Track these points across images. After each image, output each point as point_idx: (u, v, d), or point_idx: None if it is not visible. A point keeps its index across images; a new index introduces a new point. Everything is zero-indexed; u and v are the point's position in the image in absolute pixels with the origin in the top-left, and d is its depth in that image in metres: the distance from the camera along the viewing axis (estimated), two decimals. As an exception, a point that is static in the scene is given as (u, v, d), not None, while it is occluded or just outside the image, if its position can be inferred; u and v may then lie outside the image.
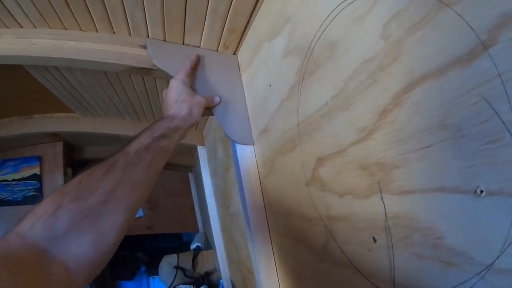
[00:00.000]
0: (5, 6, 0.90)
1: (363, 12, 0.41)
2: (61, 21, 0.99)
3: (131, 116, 1.99)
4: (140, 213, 3.50)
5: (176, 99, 0.83)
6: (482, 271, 0.30)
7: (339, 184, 0.50)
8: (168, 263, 2.75)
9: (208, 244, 3.03)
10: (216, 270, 2.73)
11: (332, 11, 0.46)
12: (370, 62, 0.41)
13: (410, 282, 0.40)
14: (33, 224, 0.48)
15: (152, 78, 1.36)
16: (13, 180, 2.77)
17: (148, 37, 1.02)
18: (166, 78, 1.16)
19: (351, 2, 0.43)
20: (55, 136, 2.65)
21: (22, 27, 1.04)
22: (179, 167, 3.48)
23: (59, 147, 2.81)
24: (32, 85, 1.62)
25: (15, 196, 2.75)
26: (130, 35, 1.03)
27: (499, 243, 0.28)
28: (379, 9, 0.38)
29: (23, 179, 2.76)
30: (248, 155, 0.93)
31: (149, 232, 3.57)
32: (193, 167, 3.27)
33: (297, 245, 0.72)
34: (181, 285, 2.47)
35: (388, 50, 0.38)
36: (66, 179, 2.81)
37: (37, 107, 2.21)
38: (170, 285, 2.70)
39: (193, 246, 2.90)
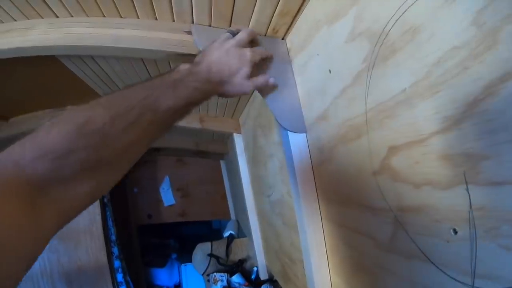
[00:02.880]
0: None
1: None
2: (100, 8, 1.01)
3: (167, 102, 2.03)
4: (172, 200, 3.61)
5: (224, 57, 0.78)
6: None
7: (416, 174, 0.50)
8: (202, 251, 2.83)
9: (241, 232, 3.09)
10: (249, 258, 2.79)
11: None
12: (459, 49, 0.41)
13: (493, 274, 0.41)
14: (37, 158, 0.45)
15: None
16: None
17: (193, 23, 1.03)
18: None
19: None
20: None
21: (57, 16, 1.07)
22: (211, 155, 3.53)
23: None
24: (65, 76, 1.67)
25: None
26: (174, 21, 1.04)
27: None
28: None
29: None
30: (300, 143, 0.94)
31: (181, 219, 3.68)
32: (225, 154, 3.31)
33: (355, 235, 0.74)
34: (215, 273, 2.54)
35: (482, 38, 0.38)
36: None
37: (71, 99, 2.28)
38: (204, 272, 2.79)
39: (226, 234, 2.97)
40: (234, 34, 0.89)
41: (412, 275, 0.56)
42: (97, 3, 0.98)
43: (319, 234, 0.93)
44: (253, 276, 2.66)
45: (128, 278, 3.07)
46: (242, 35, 0.85)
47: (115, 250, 3.00)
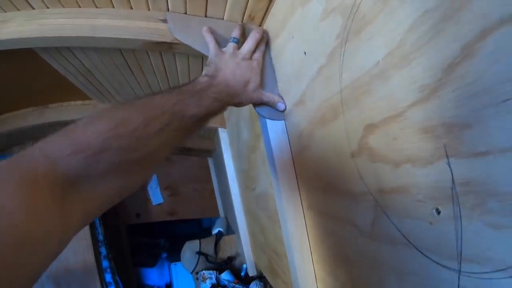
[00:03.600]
0: None
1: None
2: None
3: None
4: (160, 199, 3.55)
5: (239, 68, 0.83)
6: None
7: (394, 152, 0.46)
8: (190, 249, 2.78)
9: (230, 229, 3.05)
10: (238, 254, 2.75)
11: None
12: (432, 11, 0.37)
13: (481, 256, 0.37)
14: (72, 155, 0.46)
15: (171, 56, 1.33)
16: None
17: (168, 10, 0.99)
18: (187, 53, 1.14)
19: None
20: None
21: (33, 8, 1.04)
22: (198, 152, 3.49)
23: (78, 136, 2.84)
24: (47, 73, 1.62)
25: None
26: (149, 9, 1.01)
27: None
28: None
29: None
30: (279, 131, 0.90)
31: (170, 218, 3.62)
32: (213, 151, 3.26)
33: (338, 223, 0.70)
34: (204, 271, 2.49)
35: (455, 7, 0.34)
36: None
37: (53, 97, 2.23)
38: (193, 270, 2.74)
39: (214, 231, 2.92)
40: (237, 41, 0.88)
41: (396, 262, 0.52)
42: None
43: (301, 224, 0.89)
44: (242, 273, 2.62)
45: (117, 278, 3.01)
46: (248, 46, 0.86)
47: (103, 250, 2.94)
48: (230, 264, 2.69)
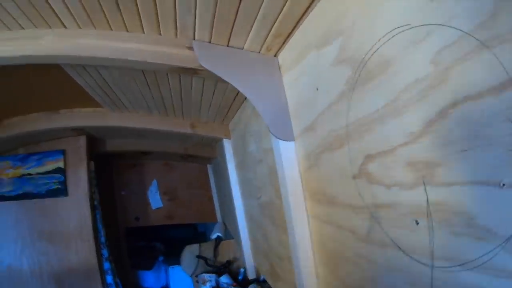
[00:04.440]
0: (50, 6, 1.00)
1: (418, 39, 0.53)
2: (108, 22, 1.10)
3: (159, 111, 2.12)
4: (159, 203, 3.68)
5: None
6: (503, 242, 0.43)
7: (387, 177, 0.63)
8: (190, 252, 2.91)
9: (228, 234, 3.18)
10: (236, 259, 2.89)
11: (389, 32, 0.59)
12: (421, 81, 0.53)
13: (447, 254, 0.53)
14: None
15: (189, 77, 1.47)
16: (37, 173, 2.94)
17: (194, 39, 1.13)
18: (210, 77, 1.29)
19: (408, 29, 0.55)
20: (79, 130, 2.79)
21: (65, 27, 1.15)
22: (198, 159, 3.63)
23: (82, 141, 2.97)
24: (65, 82, 1.74)
25: (39, 190, 2.92)
26: (176, 36, 1.14)
27: (519, 221, 0.41)
28: (431, 39, 0.51)
29: (47, 172, 2.94)
30: (289, 150, 1.06)
31: (168, 222, 3.75)
32: (212, 159, 3.41)
33: (339, 231, 0.86)
34: (204, 274, 2.63)
35: (438, 73, 0.50)
36: (89, 172, 2.98)
37: (65, 103, 2.36)
38: (192, 273, 2.87)
39: (213, 236, 3.06)
40: None
41: (386, 261, 0.68)
42: (106, 17, 1.06)
43: (306, 231, 1.05)
44: (240, 277, 2.75)
45: (118, 280, 3.12)
46: None
47: (105, 252, 3.05)
48: (228, 267, 2.83)
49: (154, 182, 3.76)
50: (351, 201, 0.77)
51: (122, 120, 2.26)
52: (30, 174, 2.93)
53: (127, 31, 1.15)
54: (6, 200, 2.93)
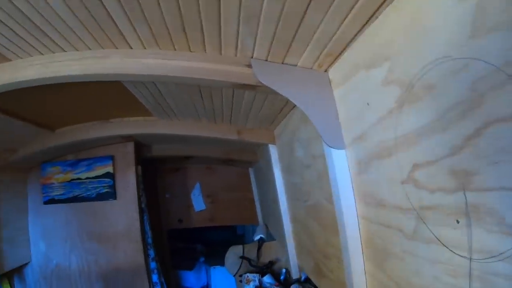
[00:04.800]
0: (118, 29, 1.17)
1: (457, 69, 0.67)
2: (172, 42, 1.27)
3: (208, 118, 2.31)
4: (202, 206, 3.89)
5: None
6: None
7: (431, 183, 0.77)
8: (234, 253, 3.10)
9: (270, 236, 3.34)
10: (278, 260, 3.05)
11: (433, 61, 0.73)
12: (461, 103, 0.67)
13: (483, 248, 0.67)
14: None
15: (242, 90, 1.63)
16: (87, 178, 3.22)
17: (252, 57, 1.29)
18: (267, 92, 1.44)
19: (449, 60, 0.69)
20: (127, 137, 3.03)
21: (131, 47, 1.33)
22: (240, 163, 3.81)
23: (130, 147, 3.23)
24: (121, 95, 1.93)
25: (89, 193, 3.21)
26: (236, 55, 1.30)
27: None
28: (469, 70, 0.64)
29: (97, 177, 3.22)
30: (340, 157, 1.21)
31: (210, 224, 3.97)
32: (254, 163, 3.58)
33: (387, 229, 1.00)
34: (248, 274, 2.80)
35: (474, 99, 0.64)
36: (137, 176, 3.22)
37: (116, 112, 2.59)
38: (236, 273, 3.05)
39: (256, 238, 3.23)
40: None
41: (430, 255, 0.82)
42: (170, 38, 1.24)
43: (356, 230, 1.19)
44: (282, 277, 2.91)
45: (163, 279, 3.35)
46: None
47: (151, 252, 3.29)
48: (270, 268, 3.00)
49: (198, 185, 3.99)
50: (399, 203, 0.91)
51: (171, 127, 2.47)
52: (80, 179, 3.23)
53: (190, 50, 1.32)
54: (57, 203, 3.23)
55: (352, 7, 0.90)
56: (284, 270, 2.93)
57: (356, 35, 1.04)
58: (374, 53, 0.94)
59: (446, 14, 0.69)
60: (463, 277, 0.73)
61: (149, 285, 3.18)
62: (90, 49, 1.34)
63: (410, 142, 0.83)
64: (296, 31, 1.08)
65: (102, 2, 1.01)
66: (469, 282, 0.71)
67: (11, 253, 2.97)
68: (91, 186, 3.18)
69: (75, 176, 3.21)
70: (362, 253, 1.20)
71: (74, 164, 3.22)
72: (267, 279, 2.84)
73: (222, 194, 4.01)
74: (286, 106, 1.80)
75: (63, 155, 3.26)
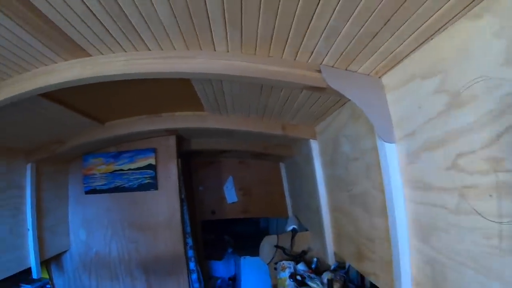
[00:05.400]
0: (211, 31, 1.40)
1: (493, 86, 0.99)
2: (256, 48, 1.56)
3: (256, 114, 2.64)
4: (234, 198, 4.25)
5: None
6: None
7: (471, 168, 1.09)
8: (269, 243, 3.46)
9: (301, 227, 3.69)
10: (310, 249, 3.40)
11: (476, 78, 1.05)
12: (493, 111, 0.99)
13: (509, 213, 0.99)
14: None
15: (299, 90, 1.95)
16: (129, 169, 3.57)
17: (321, 64, 1.60)
18: (333, 94, 1.74)
19: (487, 79, 1.01)
20: (171, 130, 3.34)
21: (215, 50, 1.60)
22: (272, 158, 4.16)
23: (172, 140, 3.56)
24: (182, 90, 2.20)
25: (131, 184, 3.56)
26: (308, 61, 1.60)
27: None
28: (501, 88, 0.96)
29: (138, 168, 3.57)
30: (391, 150, 1.54)
31: (243, 216, 4.34)
32: (286, 157, 3.92)
33: (433, 208, 1.33)
34: (283, 261, 3.15)
35: (503, 108, 0.96)
36: (178, 169, 3.57)
37: (168, 107, 2.89)
38: (270, 261, 3.41)
39: (289, 228, 3.59)
40: None
41: (469, 224, 1.15)
42: (256, 44, 1.50)
43: (403, 212, 1.52)
44: (313, 265, 3.26)
45: (199, 268, 3.71)
46: None
47: (189, 241, 3.65)
48: (303, 257, 3.34)
49: (230, 178, 4.36)
50: (445, 185, 1.24)
51: (220, 122, 2.80)
52: (122, 170, 3.57)
53: (269, 56, 1.60)
54: (99, 193, 3.57)
55: (414, 31, 1.22)
56: (315, 259, 3.28)
57: (411, 52, 1.36)
58: (430, 67, 1.27)
59: (487, 45, 1.01)
60: (495, 238, 1.05)
61: (187, 272, 3.53)
62: (175, 49, 1.60)
63: (455, 137, 1.16)
64: (365, 47, 1.39)
65: (206, 7, 1.23)
66: (499, 240, 1.03)
67: (51, 241, 3.28)
68: (133, 177, 3.54)
69: (117, 167, 3.57)
70: (408, 231, 1.53)
71: (116, 156, 3.59)
72: (301, 266, 3.19)
73: (254, 187, 4.37)
74: (334, 106, 2.13)
75: (105, 147, 3.61)
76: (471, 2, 1.02)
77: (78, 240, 3.57)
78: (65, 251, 3.54)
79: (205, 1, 1.19)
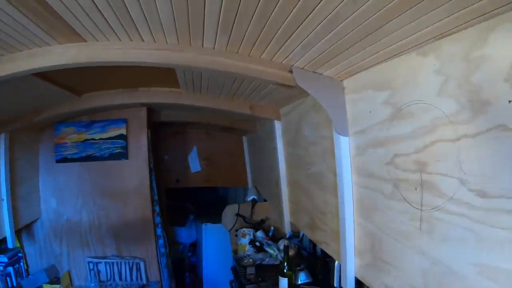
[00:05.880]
0: (203, 31, 1.58)
1: (425, 109, 1.31)
2: (239, 48, 1.77)
3: (226, 95, 2.89)
4: (198, 167, 4.53)
5: None
6: (448, 199, 1.23)
7: (403, 165, 1.43)
8: (230, 211, 3.80)
9: (260, 197, 4.04)
10: (268, 218, 3.77)
11: (414, 100, 1.36)
12: (424, 127, 1.31)
13: (427, 203, 1.33)
14: None
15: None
16: (100, 139, 3.69)
17: (293, 65, 1.86)
18: (301, 91, 2.01)
19: (421, 103, 1.32)
20: (144, 103, 3.51)
21: (203, 46, 1.79)
22: (236, 131, 4.43)
23: (143, 112, 3.72)
24: (162, 70, 2.28)
25: (102, 153, 3.70)
26: (282, 63, 1.86)
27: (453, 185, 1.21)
28: (430, 112, 1.28)
29: (110, 138, 3.70)
30: (345, 142, 1.86)
31: (206, 184, 4.64)
32: (249, 131, 4.20)
33: (373, 192, 1.67)
34: (244, 229, 3.50)
35: (431, 126, 1.28)
36: (148, 139, 3.75)
37: (146, 82, 3.04)
38: (231, 229, 3.75)
39: (249, 198, 3.93)
40: None
41: (400, 208, 1.49)
42: (240, 44, 1.69)
43: (350, 193, 1.87)
44: (271, 233, 3.64)
45: (164, 233, 3.98)
46: None
47: (156, 208, 3.89)
48: (262, 225, 3.70)
49: (195, 148, 4.61)
50: (383, 176, 1.57)
51: (193, 100, 3.02)
52: (93, 139, 3.67)
53: (249, 55, 1.82)
54: (70, 162, 3.68)
55: (375, 53, 1.48)
56: (273, 228, 3.66)
57: (370, 67, 1.65)
58: (382, 82, 1.56)
59: (428, 77, 1.30)
60: (417, 221, 1.39)
61: (155, 238, 3.80)
62: (167, 42, 1.76)
63: (394, 141, 1.49)
64: (333, 58, 1.65)
65: (204, 12, 1.35)
66: (420, 222, 1.38)
67: (25, 210, 3.38)
68: (104, 146, 3.68)
69: (89, 137, 3.69)
70: (353, 208, 1.88)
71: (88, 125, 3.70)
72: (259, 234, 3.55)
73: (218, 158, 4.66)
74: (299, 95, 2.42)
75: (78, 117, 3.70)
76: (423, 42, 1.29)
77: (49, 208, 3.67)
78: (36, 220, 3.63)
79: (204, 8, 1.34)
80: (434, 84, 1.26)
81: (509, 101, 0.96)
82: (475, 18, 1.05)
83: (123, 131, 3.68)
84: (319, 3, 1.17)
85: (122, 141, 3.67)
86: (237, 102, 3.01)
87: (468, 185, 1.13)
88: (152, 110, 3.81)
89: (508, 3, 0.91)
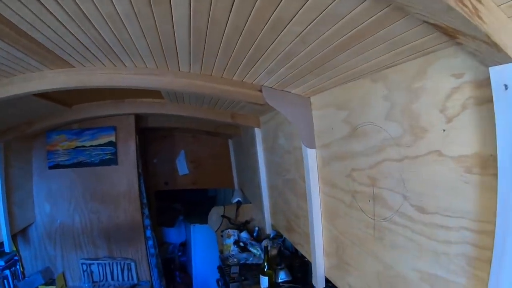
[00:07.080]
0: (177, 57, 1.71)
1: (375, 130, 1.45)
2: (212, 72, 1.93)
3: (209, 105, 3.03)
4: (186, 170, 4.65)
5: None
6: (394, 211, 1.37)
7: (359, 179, 1.57)
8: (216, 213, 3.94)
9: (245, 199, 4.18)
10: (252, 219, 3.92)
11: (366, 121, 1.50)
12: (374, 147, 1.46)
13: (379, 214, 1.48)
14: None
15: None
16: (91, 146, 3.83)
17: (263, 85, 2.01)
18: (271, 110, 2.16)
19: (372, 124, 1.47)
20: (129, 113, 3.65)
21: (180, 70, 1.96)
22: (222, 134, 4.56)
23: (131, 119, 3.86)
24: None
25: (92, 159, 3.84)
26: (252, 83, 2.01)
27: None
28: (379, 133, 1.42)
29: (100, 145, 3.84)
30: (312, 154, 2.00)
31: (193, 187, 4.76)
32: (234, 135, 4.33)
33: (336, 201, 1.82)
34: (229, 230, 3.64)
35: (380, 145, 1.43)
36: (136, 145, 3.89)
37: (131, 94, 3.20)
38: (217, 229, 3.89)
39: (234, 200, 4.07)
40: None
41: (357, 217, 1.64)
42: (213, 69, 1.86)
43: (318, 200, 2.01)
44: (255, 234, 3.78)
45: (153, 234, 4.11)
46: None
47: (146, 210, 4.02)
48: (246, 226, 3.85)
49: (182, 152, 4.74)
50: (343, 187, 1.72)
51: (177, 109, 3.17)
52: (84, 146, 3.82)
53: (222, 77, 1.97)
54: (62, 168, 3.81)
55: (334, 77, 1.62)
56: (257, 228, 3.81)
57: (331, 88, 1.79)
58: (342, 102, 1.71)
59: (378, 102, 1.44)
60: (371, 229, 1.54)
61: (145, 239, 3.94)
62: (147, 67, 1.92)
63: (351, 157, 1.63)
64: (297, 80, 1.80)
65: (176, 46, 1.50)
66: (373, 230, 1.53)
67: (20, 215, 3.50)
68: (95, 153, 3.82)
69: (80, 144, 3.82)
70: (321, 214, 2.02)
71: (79, 133, 3.83)
72: (244, 234, 3.70)
73: (205, 160, 4.79)
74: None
75: (68, 124, 3.79)
76: (373, 70, 1.42)
77: (43, 213, 3.80)
78: (30, 224, 3.75)
79: (175, 42, 1.48)
80: (383, 108, 1.40)
81: (443, 130, 1.09)
82: (414, 54, 1.19)
83: (112, 138, 3.81)
84: (273, 42, 1.31)
85: (112, 147, 3.81)
86: (219, 112, 3.15)
87: (410, 201, 1.27)
88: (139, 117, 3.93)
89: (443, 42, 1.04)
